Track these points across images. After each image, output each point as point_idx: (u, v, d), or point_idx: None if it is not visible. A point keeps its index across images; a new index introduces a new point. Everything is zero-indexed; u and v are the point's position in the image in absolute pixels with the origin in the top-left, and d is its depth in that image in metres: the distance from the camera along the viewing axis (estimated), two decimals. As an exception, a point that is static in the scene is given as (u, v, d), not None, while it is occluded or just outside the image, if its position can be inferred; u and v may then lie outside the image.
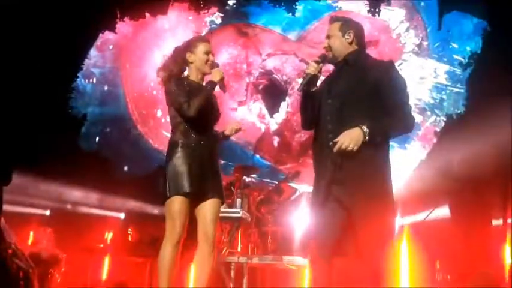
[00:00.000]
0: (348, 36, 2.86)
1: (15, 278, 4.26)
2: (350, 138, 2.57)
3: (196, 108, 3.10)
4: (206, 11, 7.09)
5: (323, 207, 2.72)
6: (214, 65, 3.29)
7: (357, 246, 2.63)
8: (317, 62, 2.86)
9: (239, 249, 5.76)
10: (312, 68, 2.84)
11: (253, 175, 6.47)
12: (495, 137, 5.16)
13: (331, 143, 2.64)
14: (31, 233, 5.98)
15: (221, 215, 3.52)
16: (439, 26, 6.44)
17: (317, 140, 2.85)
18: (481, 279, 4.50)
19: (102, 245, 6.33)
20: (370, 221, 2.56)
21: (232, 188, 5.73)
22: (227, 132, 3.37)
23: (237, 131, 3.41)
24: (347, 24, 2.90)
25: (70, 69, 7.17)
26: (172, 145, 3.21)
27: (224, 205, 3.36)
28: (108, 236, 6.47)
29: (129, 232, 6.52)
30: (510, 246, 4.56)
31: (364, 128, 2.58)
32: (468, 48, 6.37)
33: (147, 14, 7.21)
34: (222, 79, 3.23)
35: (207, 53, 3.28)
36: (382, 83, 2.70)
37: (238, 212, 5.45)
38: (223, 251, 5.36)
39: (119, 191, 6.79)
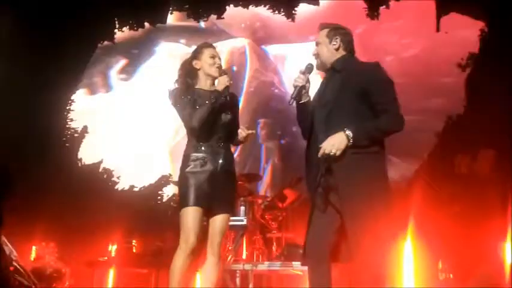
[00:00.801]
0: (335, 43, 2.86)
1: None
2: (332, 143, 2.58)
3: (198, 119, 3.07)
4: (206, 18, 7.24)
5: (319, 213, 2.73)
6: (221, 71, 3.23)
7: (353, 251, 2.61)
8: (303, 73, 2.88)
9: (244, 256, 5.74)
10: (299, 80, 2.87)
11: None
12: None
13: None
14: (33, 248, 5.91)
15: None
16: (437, 28, 6.50)
17: (309, 149, 2.84)
18: (483, 280, 4.49)
19: (106, 258, 6.26)
20: (366, 224, 2.55)
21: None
22: (240, 139, 3.32)
23: (247, 138, 3.30)
24: (334, 30, 2.90)
25: (69, 81, 7.16)
26: (184, 158, 3.21)
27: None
28: (112, 248, 6.40)
29: (133, 244, 6.45)
30: (511, 245, 4.54)
31: (348, 131, 2.58)
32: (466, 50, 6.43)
33: (146, 24, 7.28)
34: (226, 88, 3.15)
35: (213, 56, 3.24)
36: (368, 84, 2.70)
37: (242, 220, 5.42)
38: (228, 258, 5.33)
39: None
